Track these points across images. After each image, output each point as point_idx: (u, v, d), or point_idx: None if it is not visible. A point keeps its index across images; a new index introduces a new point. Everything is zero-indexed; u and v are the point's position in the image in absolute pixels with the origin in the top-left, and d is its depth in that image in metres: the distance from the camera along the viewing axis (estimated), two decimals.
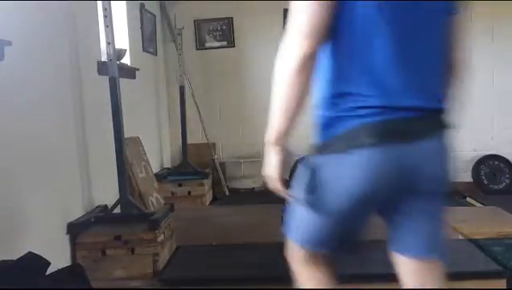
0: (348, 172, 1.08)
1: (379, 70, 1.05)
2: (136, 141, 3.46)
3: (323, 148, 1.13)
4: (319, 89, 1.13)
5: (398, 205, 1.16)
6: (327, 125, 1.12)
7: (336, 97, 1.09)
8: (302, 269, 1.31)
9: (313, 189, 1.12)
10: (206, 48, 4.61)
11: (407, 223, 1.19)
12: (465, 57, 1.26)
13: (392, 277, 2.25)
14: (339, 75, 1.08)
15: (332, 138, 1.10)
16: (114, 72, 2.54)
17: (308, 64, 1.04)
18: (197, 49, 4.63)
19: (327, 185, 1.11)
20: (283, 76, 1.07)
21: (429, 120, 1.11)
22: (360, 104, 1.05)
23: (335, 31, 1.05)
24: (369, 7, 1.03)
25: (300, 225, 1.23)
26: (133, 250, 2.31)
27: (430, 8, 1.09)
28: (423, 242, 1.21)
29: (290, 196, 1.21)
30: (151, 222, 2.36)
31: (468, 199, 4.23)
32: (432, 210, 1.21)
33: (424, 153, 1.09)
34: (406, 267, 1.25)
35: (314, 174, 1.12)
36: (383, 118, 1.05)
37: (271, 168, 1.19)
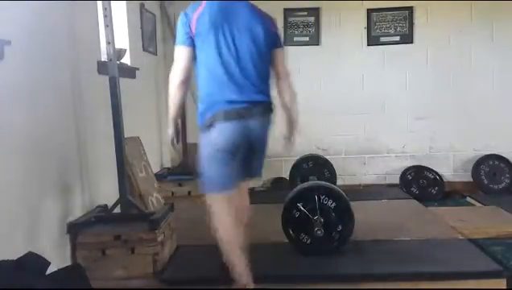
0: (216, 136, 2.00)
1: (222, 82, 2.00)
2: (136, 141, 3.46)
3: (203, 127, 2.03)
4: (199, 92, 2.08)
5: (243, 153, 2.05)
6: (203, 113, 2.05)
7: (205, 96, 2.05)
8: (217, 208, 2.04)
9: (207, 150, 2.04)
10: None
11: (248, 162, 2.11)
12: (284, 72, 2.17)
13: (392, 277, 2.26)
14: (205, 85, 2.06)
15: (206, 120, 2.02)
16: (114, 71, 2.54)
17: (182, 87, 2.08)
18: None
19: (211, 146, 2.01)
20: (171, 92, 2.12)
21: (256, 108, 2.03)
22: (216, 100, 2.01)
23: (199, 63, 2.05)
24: (210, 47, 1.99)
25: (209, 179, 2.06)
26: (133, 250, 2.31)
27: (255, 43, 2.04)
28: (254, 171, 2.20)
29: (176, 148, 2.36)
30: (151, 222, 2.36)
31: (468, 199, 4.24)
32: (259, 155, 2.15)
33: (253, 126, 2.02)
34: (243, 185, 2.22)
35: (205, 143, 2.05)
36: (228, 107, 1.99)
37: (170, 135, 2.20)
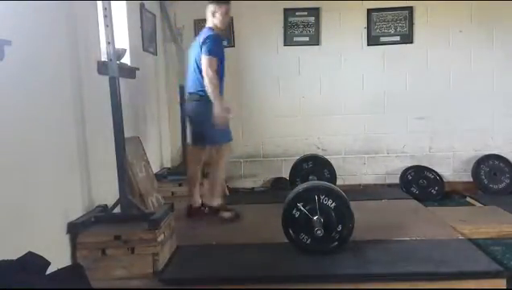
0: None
1: (186, 80, 3.50)
2: (136, 141, 3.46)
3: None
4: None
5: (188, 120, 3.55)
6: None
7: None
8: (191, 155, 3.57)
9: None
10: None
11: (191, 130, 3.50)
12: (204, 72, 3.20)
13: (391, 277, 2.26)
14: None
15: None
16: (114, 71, 2.55)
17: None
18: None
19: None
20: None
21: (191, 96, 3.36)
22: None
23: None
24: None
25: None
26: (133, 250, 2.31)
27: (197, 56, 3.27)
28: (192, 139, 3.49)
29: (230, 115, 3.39)
30: (151, 222, 2.36)
31: (468, 199, 4.24)
32: (193, 126, 3.45)
33: (193, 105, 3.36)
34: (192, 151, 3.55)
35: None
36: (187, 95, 3.50)
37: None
